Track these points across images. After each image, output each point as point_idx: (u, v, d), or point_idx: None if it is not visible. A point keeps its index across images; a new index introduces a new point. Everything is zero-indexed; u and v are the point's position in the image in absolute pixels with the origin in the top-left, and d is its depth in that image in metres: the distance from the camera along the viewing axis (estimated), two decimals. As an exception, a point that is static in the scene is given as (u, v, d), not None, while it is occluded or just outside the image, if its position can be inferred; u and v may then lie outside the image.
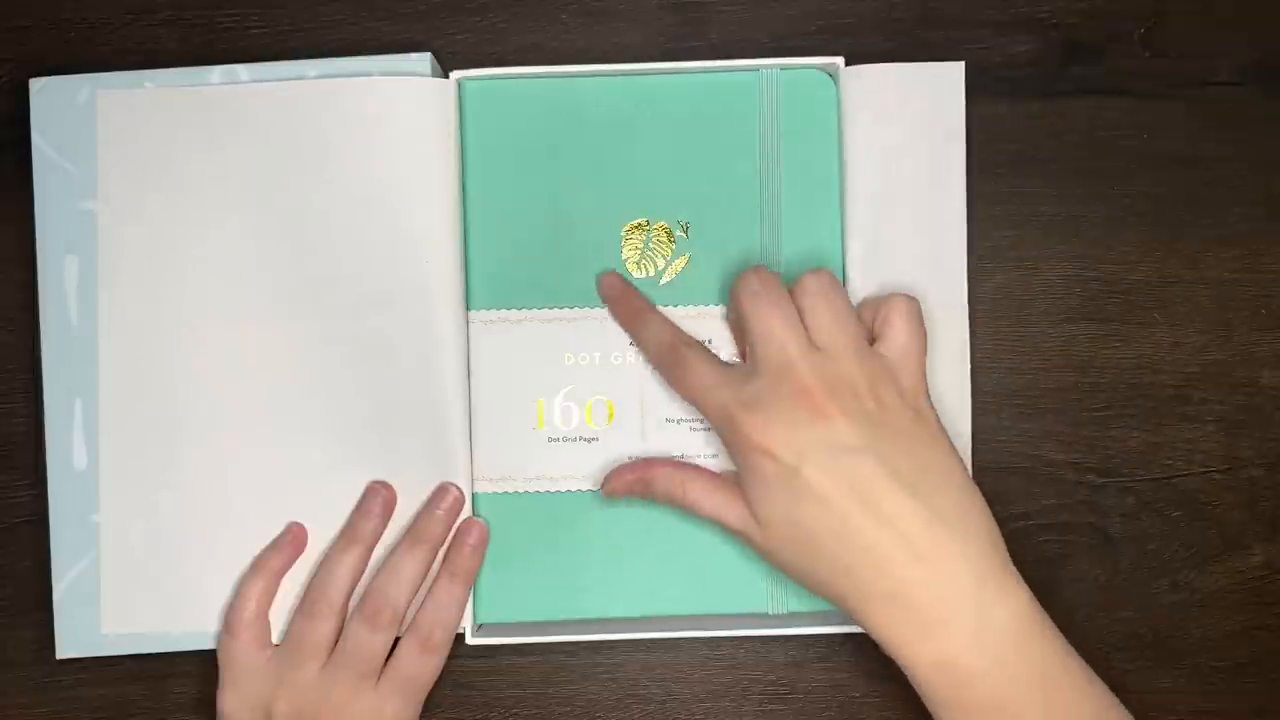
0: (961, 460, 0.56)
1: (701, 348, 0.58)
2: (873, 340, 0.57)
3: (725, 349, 0.63)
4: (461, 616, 0.61)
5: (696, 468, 0.59)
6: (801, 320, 0.55)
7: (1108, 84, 0.65)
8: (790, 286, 0.57)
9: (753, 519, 0.55)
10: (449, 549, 0.62)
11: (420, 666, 0.60)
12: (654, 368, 0.61)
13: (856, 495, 0.53)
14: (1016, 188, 0.65)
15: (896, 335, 0.56)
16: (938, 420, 0.56)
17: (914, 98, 0.62)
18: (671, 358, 0.58)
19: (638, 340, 0.61)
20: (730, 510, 0.56)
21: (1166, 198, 0.65)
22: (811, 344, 0.55)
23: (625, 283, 0.62)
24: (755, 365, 0.55)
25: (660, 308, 0.62)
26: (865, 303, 0.59)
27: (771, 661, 0.65)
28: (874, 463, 0.53)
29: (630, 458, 0.63)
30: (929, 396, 0.56)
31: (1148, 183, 0.65)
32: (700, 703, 0.65)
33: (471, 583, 0.62)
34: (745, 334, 0.56)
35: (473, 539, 0.62)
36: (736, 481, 0.56)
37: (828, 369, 0.54)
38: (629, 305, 0.61)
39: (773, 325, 0.55)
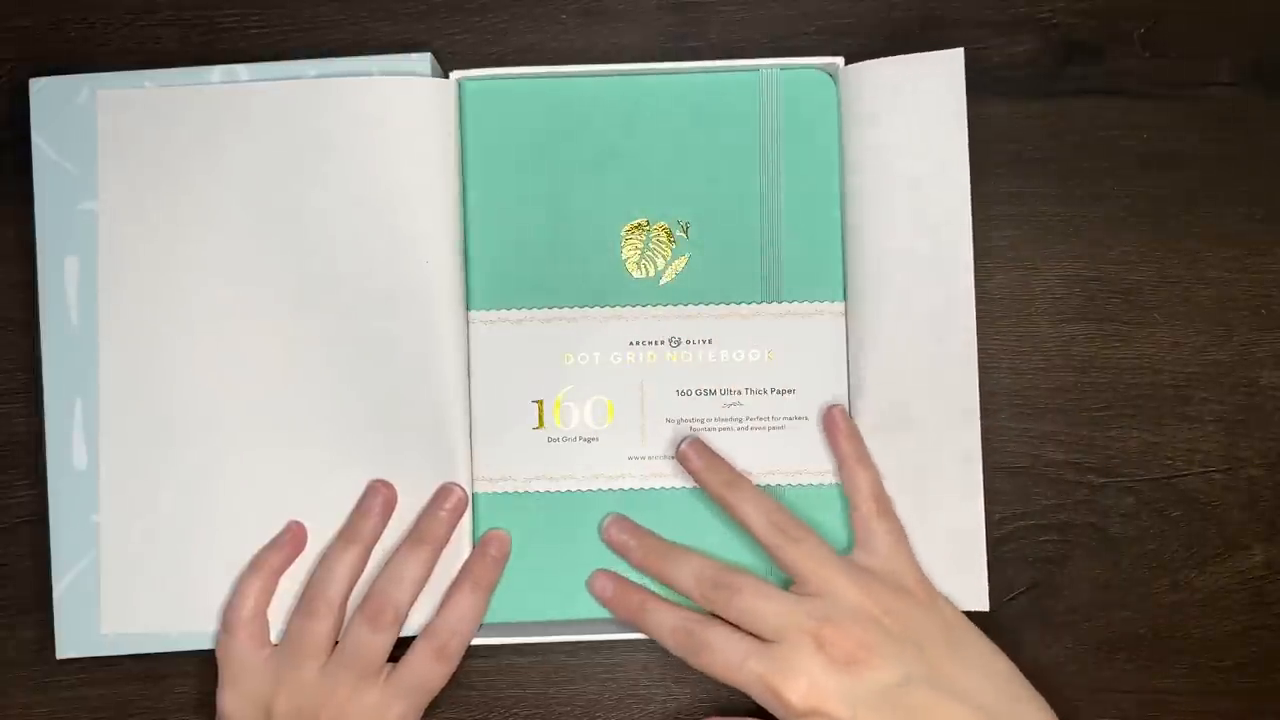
0: (968, 622, 0.59)
1: (715, 622, 0.58)
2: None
3: (726, 349, 0.63)
4: (478, 627, 0.61)
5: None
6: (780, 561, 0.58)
7: (1107, 84, 0.65)
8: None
9: None
10: (470, 559, 0.62)
11: (431, 672, 0.60)
12: (675, 653, 0.59)
13: None
14: (1016, 188, 0.65)
15: (876, 537, 0.59)
16: (943, 598, 0.59)
17: (914, 90, 0.61)
18: (689, 644, 0.58)
19: (647, 632, 0.60)
20: None
21: (1166, 198, 0.65)
22: (806, 599, 0.57)
23: (617, 580, 0.62)
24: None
25: (660, 308, 0.62)
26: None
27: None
28: (923, 690, 0.56)
29: (630, 458, 0.63)
30: (930, 583, 0.60)
31: (1148, 183, 0.65)
32: (700, 703, 0.65)
33: (490, 593, 0.62)
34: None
35: (494, 550, 0.62)
36: None
37: (839, 614, 0.56)
38: (627, 602, 0.61)
39: (763, 604, 0.57)
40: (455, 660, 0.60)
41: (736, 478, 0.61)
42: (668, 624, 0.59)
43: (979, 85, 0.64)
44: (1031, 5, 0.65)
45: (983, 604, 0.61)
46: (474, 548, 0.62)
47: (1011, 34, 0.65)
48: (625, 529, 0.62)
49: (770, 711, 0.57)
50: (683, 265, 0.63)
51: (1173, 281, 0.65)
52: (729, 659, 0.57)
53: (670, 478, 0.63)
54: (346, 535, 0.61)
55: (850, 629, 0.56)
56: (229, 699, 0.60)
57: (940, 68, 0.61)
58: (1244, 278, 0.65)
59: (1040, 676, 0.64)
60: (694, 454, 0.61)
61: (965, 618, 0.59)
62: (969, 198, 0.61)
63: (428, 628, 0.61)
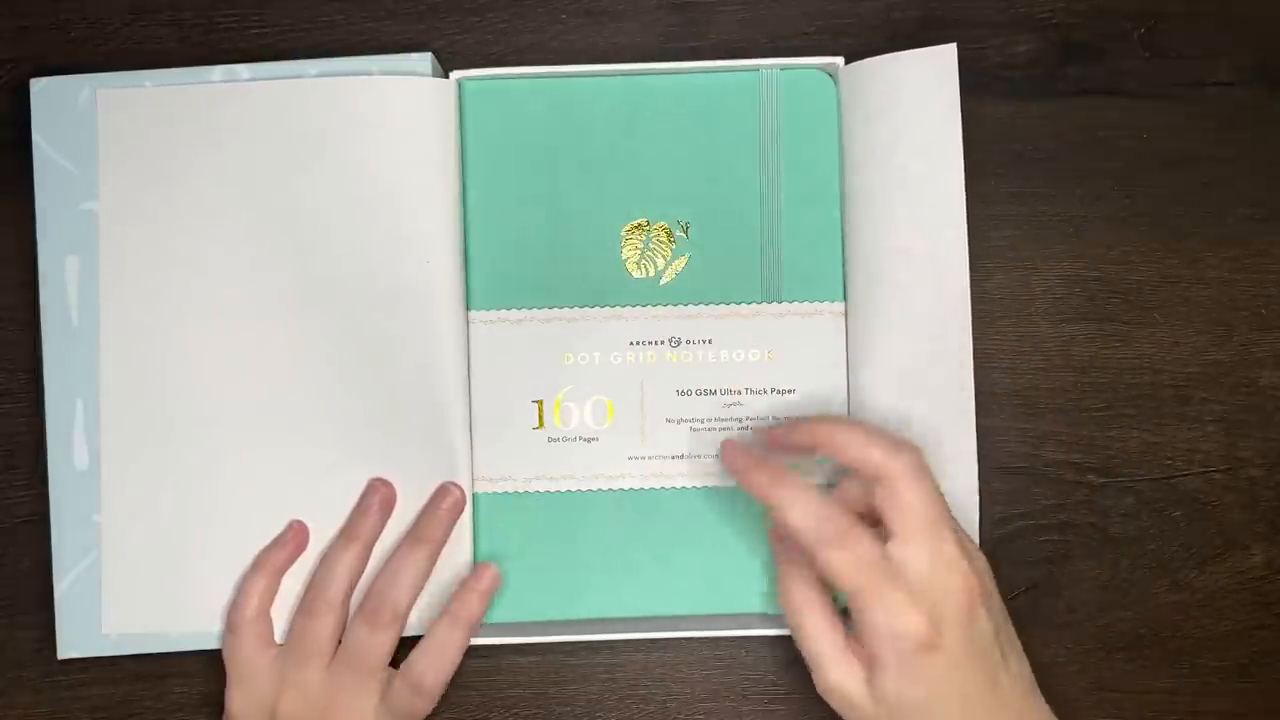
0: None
1: (860, 530, 0.53)
2: (876, 522, 0.55)
3: (726, 349, 0.63)
4: (458, 661, 0.60)
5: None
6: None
7: (1108, 84, 0.65)
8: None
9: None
10: (456, 593, 0.60)
11: (412, 706, 0.59)
12: (803, 537, 0.53)
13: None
14: (1016, 188, 0.65)
15: (914, 510, 0.54)
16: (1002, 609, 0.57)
17: (909, 87, 0.61)
18: (826, 530, 0.53)
19: (780, 508, 0.54)
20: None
21: (1166, 198, 0.65)
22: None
23: (745, 451, 0.57)
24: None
25: (660, 308, 0.63)
26: (842, 450, 0.56)
27: (771, 661, 0.65)
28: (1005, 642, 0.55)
29: (630, 458, 0.63)
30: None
31: (1148, 183, 0.65)
32: (700, 702, 0.65)
33: (474, 627, 0.60)
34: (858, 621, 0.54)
35: (483, 585, 0.60)
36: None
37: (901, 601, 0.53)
38: (760, 472, 0.55)
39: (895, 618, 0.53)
40: (434, 695, 0.60)
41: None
42: (808, 504, 0.53)
43: (979, 85, 0.64)
44: (1031, 5, 0.65)
45: None
46: (465, 579, 0.61)
47: (1011, 34, 0.65)
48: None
49: (868, 628, 0.53)
50: (683, 265, 0.63)
51: (1173, 281, 0.65)
52: (860, 560, 0.52)
53: (670, 478, 0.63)
54: (346, 534, 0.61)
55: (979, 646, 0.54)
56: (236, 699, 0.60)
57: (934, 63, 0.61)
58: (1244, 278, 0.65)
59: (1040, 676, 0.64)
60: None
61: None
62: (963, 195, 0.61)
63: (405, 662, 0.60)
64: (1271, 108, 0.65)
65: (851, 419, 0.60)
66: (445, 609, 0.60)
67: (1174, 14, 0.65)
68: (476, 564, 0.62)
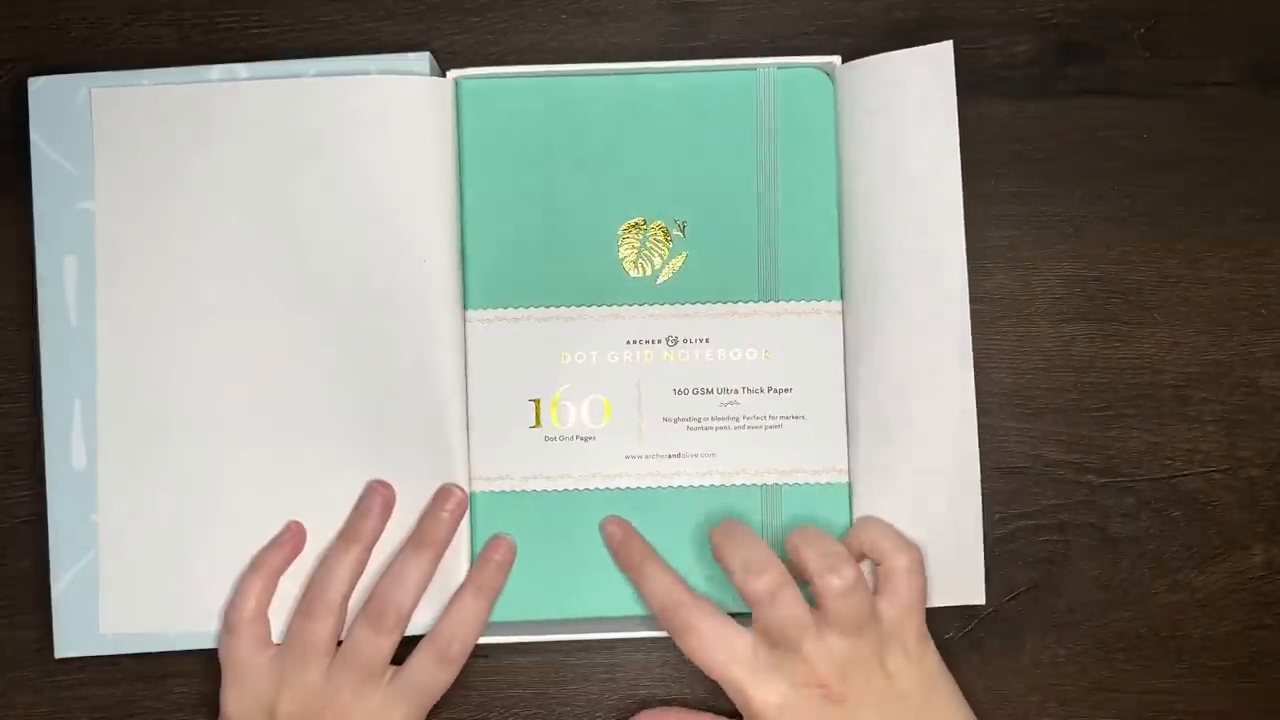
0: (961, 698, 0.59)
1: (707, 608, 0.58)
2: (860, 556, 0.60)
3: (724, 348, 0.63)
4: (481, 632, 0.61)
5: None
6: (806, 577, 0.57)
7: (1107, 84, 0.65)
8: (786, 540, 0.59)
9: None
10: (475, 565, 0.62)
11: (434, 676, 0.60)
12: (660, 623, 0.59)
13: None
14: (1016, 188, 0.65)
15: (900, 592, 0.58)
16: (939, 665, 0.59)
17: (906, 85, 0.61)
18: (676, 622, 0.58)
19: (640, 592, 0.61)
20: None
21: (1166, 198, 0.65)
22: (819, 624, 0.56)
23: (627, 529, 0.62)
24: (770, 646, 0.57)
25: (658, 307, 0.62)
26: (863, 531, 0.60)
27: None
28: None
29: (627, 457, 0.63)
30: (929, 638, 0.59)
31: (1148, 183, 0.65)
32: (701, 703, 0.65)
33: (494, 598, 0.62)
34: (749, 603, 0.57)
35: (499, 555, 0.62)
36: None
37: (837, 653, 0.56)
38: (629, 555, 0.61)
39: (781, 619, 0.56)
40: (458, 664, 0.60)
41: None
42: (661, 591, 0.59)
43: (979, 85, 0.64)
44: (1031, 5, 0.65)
45: (979, 598, 0.61)
46: (480, 552, 0.62)
47: (1011, 34, 0.65)
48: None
49: (737, 705, 0.58)
50: (680, 264, 0.63)
51: (1173, 281, 0.65)
52: (713, 654, 0.57)
53: (667, 476, 0.63)
54: (346, 536, 0.61)
55: (846, 674, 0.56)
56: (232, 700, 0.60)
57: (930, 62, 0.61)
58: (1244, 278, 0.65)
59: (1040, 676, 0.64)
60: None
61: (952, 685, 0.59)
62: (960, 193, 0.61)
63: (430, 632, 0.61)
64: (1271, 108, 0.65)
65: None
66: (466, 580, 0.61)
67: (1174, 14, 0.65)
68: (492, 537, 0.62)
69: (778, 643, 0.56)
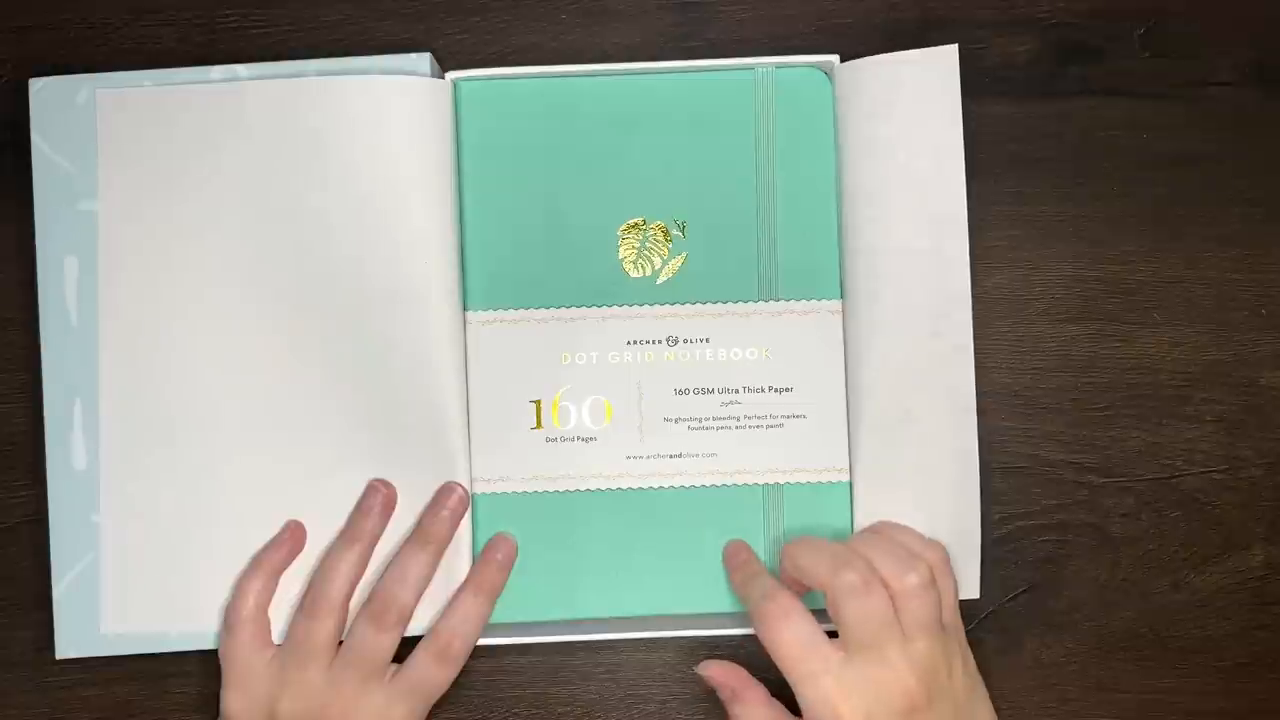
0: (989, 698, 0.59)
1: (804, 613, 0.56)
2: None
3: (724, 348, 0.63)
4: (481, 631, 0.61)
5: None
6: (887, 591, 0.56)
7: (1107, 84, 0.65)
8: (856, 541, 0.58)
9: None
10: (476, 564, 0.62)
11: (434, 675, 0.60)
12: (753, 619, 0.57)
13: None
14: (1016, 188, 0.65)
15: (945, 597, 0.57)
16: (977, 671, 0.59)
17: (909, 86, 0.61)
18: (774, 609, 0.56)
19: (744, 598, 0.59)
20: None
21: (1166, 198, 0.65)
22: (902, 630, 0.55)
23: (750, 552, 0.62)
24: (851, 649, 0.55)
25: (658, 307, 0.63)
26: (883, 533, 0.60)
27: (771, 661, 0.65)
28: None
29: (628, 458, 0.63)
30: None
31: (1148, 183, 0.65)
32: (700, 702, 0.65)
33: (494, 598, 0.62)
34: (833, 611, 0.56)
35: (500, 554, 0.62)
36: None
37: (920, 661, 0.55)
38: (745, 570, 0.61)
39: (869, 614, 0.55)
40: (458, 663, 0.60)
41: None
42: (759, 587, 0.58)
43: (979, 85, 0.64)
44: (1031, 5, 0.65)
45: (974, 593, 0.62)
46: (481, 551, 0.62)
47: (1011, 34, 0.65)
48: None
49: (803, 703, 0.56)
50: (680, 264, 0.63)
51: (1173, 281, 0.65)
52: (805, 656, 0.55)
53: (669, 477, 0.63)
54: (347, 535, 0.61)
55: (926, 681, 0.55)
56: (233, 700, 0.60)
57: (934, 64, 0.61)
58: (1244, 278, 0.65)
59: (1040, 676, 0.64)
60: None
61: (984, 690, 0.59)
62: (965, 194, 0.61)
63: (431, 631, 0.61)
64: (1271, 108, 0.65)
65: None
66: (467, 579, 0.61)
67: (1174, 14, 0.65)
68: (493, 536, 0.62)
69: (864, 644, 0.54)
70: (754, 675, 0.59)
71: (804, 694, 0.55)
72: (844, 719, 0.54)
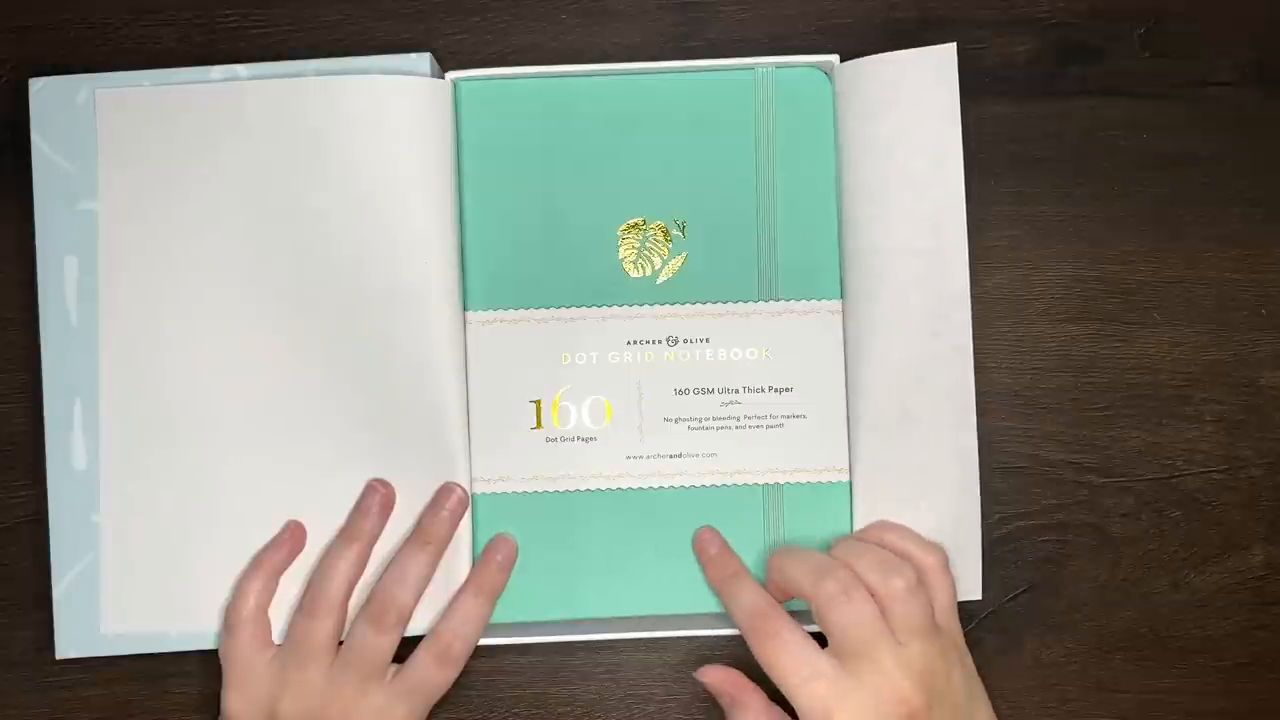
0: (989, 701, 0.59)
1: (795, 623, 0.57)
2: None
3: (724, 348, 0.63)
4: (482, 631, 0.61)
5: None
6: (874, 597, 0.56)
7: (1107, 84, 0.65)
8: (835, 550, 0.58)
9: None
10: (477, 564, 0.62)
11: (434, 676, 0.60)
12: (743, 633, 0.58)
13: None
14: (1016, 188, 0.65)
15: (939, 591, 0.58)
16: (973, 666, 0.59)
17: (908, 86, 0.61)
18: (766, 627, 0.57)
19: (728, 601, 0.60)
20: None
21: (1166, 198, 0.65)
22: (894, 635, 0.55)
23: (720, 543, 0.62)
24: (843, 657, 0.55)
25: (658, 307, 0.62)
26: (883, 534, 0.60)
27: (771, 662, 0.65)
28: None
29: (628, 458, 0.63)
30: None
31: (1148, 183, 0.65)
32: (700, 702, 0.65)
33: (495, 599, 0.62)
34: (819, 621, 0.56)
35: (500, 555, 0.62)
36: None
37: (915, 664, 0.55)
38: (723, 567, 0.61)
39: (855, 621, 0.55)
40: (458, 664, 0.60)
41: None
42: (749, 600, 0.58)
43: (979, 85, 0.64)
44: (1031, 5, 0.65)
45: (976, 594, 0.62)
46: (481, 552, 0.62)
47: (1011, 34, 0.65)
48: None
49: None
50: (680, 264, 0.63)
51: (1173, 281, 0.65)
52: (797, 667, 0.55)
53: (669, 477, 0.63)
54: (346, 535, 0.61)
55: (923, 686, 0.55)
56: (234, 700, 0.60)
57: (933, 63, 0.61)
58: (1244, 278, 0.65)
59: (1040, 676, 0.64)
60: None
61: (982, 686, 0.59)
62: (964, 194, 0.61)
63: (432, 631, 0.61)
64: (1271, 108, 0.65)
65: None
66: (467, 579, 0.62)
67: (1174, 14, 0.65)
68: (494, 537, 0.62)
69: (855, 651, 0.54)
70: (752, 679, 0.59)
71: (799, 702, 0.55)
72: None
